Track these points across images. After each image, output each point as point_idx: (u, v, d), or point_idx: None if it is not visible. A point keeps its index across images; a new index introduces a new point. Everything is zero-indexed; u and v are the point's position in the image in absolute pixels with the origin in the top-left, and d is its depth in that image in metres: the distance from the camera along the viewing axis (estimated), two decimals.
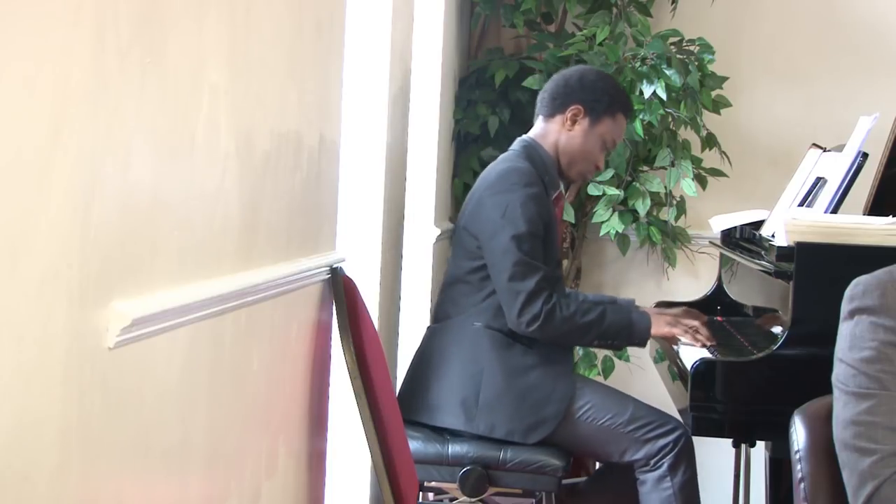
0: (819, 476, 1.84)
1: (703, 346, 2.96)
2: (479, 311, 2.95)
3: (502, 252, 2.87)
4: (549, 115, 3.07)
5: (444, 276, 3.10)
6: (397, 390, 3.08)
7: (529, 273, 2.85)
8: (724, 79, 4.04)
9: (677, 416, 2.95)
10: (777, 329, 2.81)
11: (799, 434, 1.87)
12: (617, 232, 4.03)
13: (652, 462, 2.90)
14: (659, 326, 2.98)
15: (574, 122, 3.04)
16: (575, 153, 3.05)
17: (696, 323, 3.01)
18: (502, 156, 3.09)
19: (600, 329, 2.91)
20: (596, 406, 2.92)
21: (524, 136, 3.10)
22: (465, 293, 2.97)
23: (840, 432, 1.78)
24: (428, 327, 3.12)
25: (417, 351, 3.08)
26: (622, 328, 2.95)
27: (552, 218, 2.98)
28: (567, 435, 2.92)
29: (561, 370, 2.93)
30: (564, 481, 3.00)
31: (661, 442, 2.90)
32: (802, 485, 1.84)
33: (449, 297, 3.04)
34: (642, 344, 3.05)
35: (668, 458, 2.89)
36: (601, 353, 4.10)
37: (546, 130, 3.07)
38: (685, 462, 2.91)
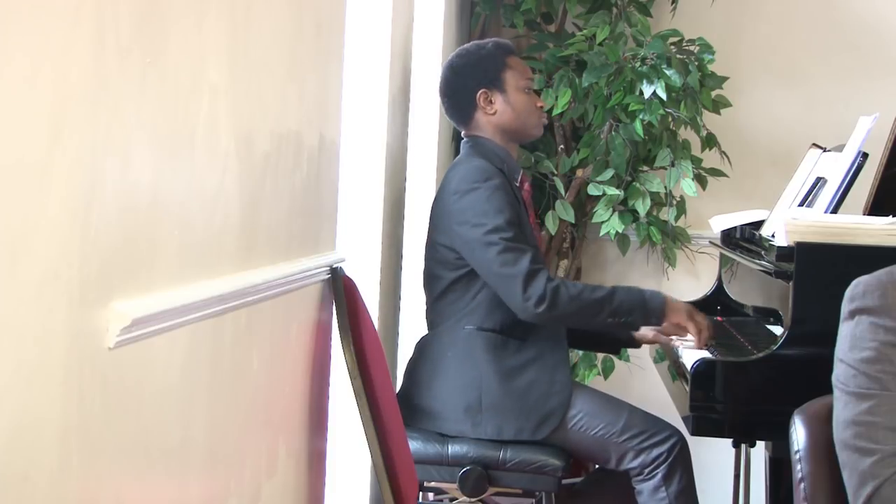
0: (819, 476, 1.84)
1: (704, 345, 2.95)
2: (470, 313, 2.93)
3: (484, 247, 2.83)
4: (469, 120, 3.07)
5: (428, 291, 3.05)
6: (397, 391, 3.07)
7: (519, 256, 2.81)
8: (724, 79, 4.03)
9: (677, 415, 2.95)
10: (777, 329, 2.81)
11: (799, 434, 1.87)
12: (617, 232, 4.02)
13: (646, 471, 2.89)
14: (677, 313, 2.90)
15: (490, 103, 3.04)
16: (513, 121, 3.05)
17: (707, 323, 2.96)
18: (456, 160, 3.07)
19: (612, 306, 2.84)
20: (588, 415, 2.90)
21: (465, 136, 3.09)
22: (453, 300, 2.95)
23: (840, 432, 1.78)
24: (419, 340, 3.08)
25: (410, 361, 3.06)
26: (635, 305, 2.86)
27: (520, 205, 2.96)
28: (562, 441, 2.92)
29: (557, 360, 2.92)
30: (564, 481, 3.00)
31: (656, 452, 2.88)
32: (802, 485, 1.84)
33: (437, 308, 3.01)
34: (659, 322, 2.91)
35: (662, 467, 2.88)
36: (601, 354, 4.09)
37: (477, 127, 3.06)
38: (680, 470, 2.89)
